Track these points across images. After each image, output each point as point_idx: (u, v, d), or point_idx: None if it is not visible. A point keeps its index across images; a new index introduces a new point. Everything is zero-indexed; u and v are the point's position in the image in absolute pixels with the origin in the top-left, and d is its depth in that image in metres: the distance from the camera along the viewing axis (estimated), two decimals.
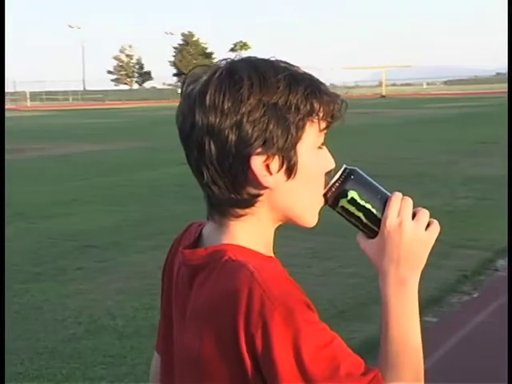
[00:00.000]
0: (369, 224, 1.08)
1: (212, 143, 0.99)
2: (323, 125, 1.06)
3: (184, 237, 1.17)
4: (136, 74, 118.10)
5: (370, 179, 1.09)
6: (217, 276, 1.01)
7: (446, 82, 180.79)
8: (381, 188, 1.09)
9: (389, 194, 1.09)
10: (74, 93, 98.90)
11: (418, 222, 1.07)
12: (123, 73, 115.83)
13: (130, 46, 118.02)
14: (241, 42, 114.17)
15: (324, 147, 1.10)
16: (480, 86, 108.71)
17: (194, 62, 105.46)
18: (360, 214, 1.07)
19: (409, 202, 1.07)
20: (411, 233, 1.06)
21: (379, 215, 1.06)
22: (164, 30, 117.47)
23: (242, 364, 0.96)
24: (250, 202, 1.04)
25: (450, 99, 56.89)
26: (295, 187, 1.04)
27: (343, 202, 1.07)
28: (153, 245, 6.98)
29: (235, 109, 0.98)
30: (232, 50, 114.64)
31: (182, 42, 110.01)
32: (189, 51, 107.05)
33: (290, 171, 1.03)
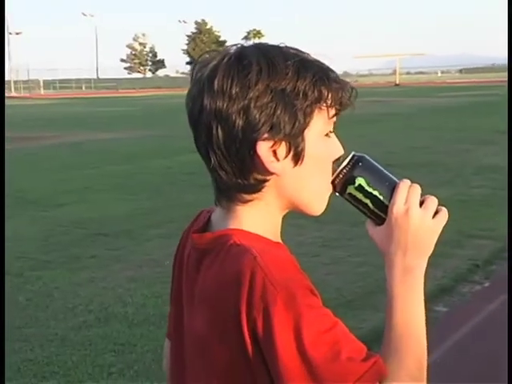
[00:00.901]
0: (376, 211, 1.07)
1: (219, 128, 1.00)
2: (332, 112, 1.05)
3: (195, 223, 1.18)
4: (149, 63, 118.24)
5: (378, 166, 1.09)
6: (222, 260, 1.02)
7: (460, 71, 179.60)
8: (389, 175, 1.09)
9: (397, 180, 1.08)
10: (87, 81, 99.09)
11: (426, 209, 1.06)
12: (136, 61, 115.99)
13: (144, 35, 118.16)
14: (254, 30, 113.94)
15: (333, 134, 1.09)
16: (495, 75, 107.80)
17: (208, 50, 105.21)
18: (368, 201, 1.07)
19: (417, 188, 1.07)
20: (418, 220, 1.05)
21: (386, 202, 1.06)
22: (177, 18, 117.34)
23: (243, 347, 0.97)
24: (257, 187, 1.04)
25: (465, 88, 56.45)
26: (302, 174, 1.04)
27: (351, 189, 1.07)
28: (164, 233, 6.99)
29: (243, 94, 0.99)
30: (245, 38, 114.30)
31: (195, 31, 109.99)
32: (202, 39, 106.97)
33: (298, 158, 1.03)
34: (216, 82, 1.00)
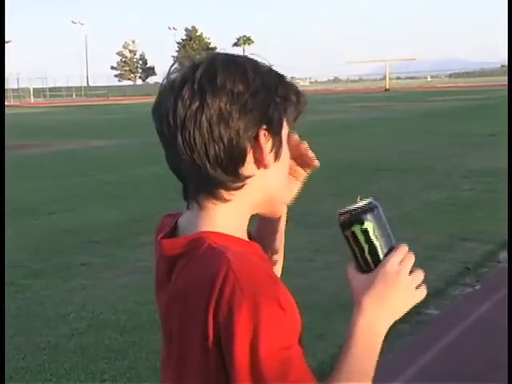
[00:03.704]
0: (368, 259, 1.10)
1: (222, 123, 1.04)
2: (292, 117, 1.13)
3: (161, 230, 1.19)
4: (139, 70, 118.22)
5: (386, 221, 1.12)
6: (196, 262, 1.05)
7: (450, 75, 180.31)
8: (391, 234, 1.12)
9: (395, 242, 1.11)
10: (78, 89, 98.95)
11: (413, 278, 1.09)
12: (127, 68, 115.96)
13: (133, 42, 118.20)
14: (244, 36, 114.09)
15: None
16: (485, 79, 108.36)
17: (198, 56, 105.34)
18: (366, 247, 1.09)
19: (412, 257, 1.10)
20: (405, 285, 1.08)
21: (381, 256, 1.09)
22: (167, 25, 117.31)
23: (209, 347, 0.99)
24: (241, 183, 1.08)
25: (455, 92, 56.70)
26: (278, 169, 1.11)
27: (356, 228, 1.09)
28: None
29: (244, 91, 1.05)
30: (235, 44, 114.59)
31: (185, 37, 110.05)
32: (192, 46, 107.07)
33: (278, 153, 1.10)
34: (218, 81, 1.04)
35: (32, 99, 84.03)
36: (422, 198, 9.26)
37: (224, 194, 1.08)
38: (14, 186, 11.45)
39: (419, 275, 1.10)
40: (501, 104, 28.50)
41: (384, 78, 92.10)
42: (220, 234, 1.07)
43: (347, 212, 1.09)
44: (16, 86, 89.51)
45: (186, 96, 1.04)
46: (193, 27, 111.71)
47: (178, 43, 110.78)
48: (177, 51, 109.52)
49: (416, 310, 4.88)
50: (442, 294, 5.30)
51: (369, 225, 1.09)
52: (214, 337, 0.99)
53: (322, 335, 4.32)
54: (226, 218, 1.09)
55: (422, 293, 1.11)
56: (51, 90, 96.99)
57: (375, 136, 18.95)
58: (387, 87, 76.60)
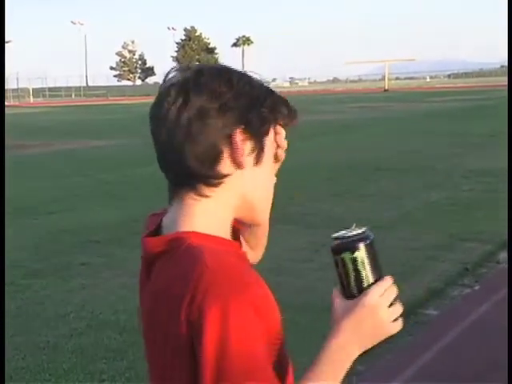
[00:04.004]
0: (353, 286, 1.12)
1: (201, 119, 1.08)
2: (279, 132, 1.16)
3: (146, 229, 1.22)
4: (139, 70, 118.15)
5: (377, 252, 1.13)
6: (175, 262, 1.07)
7: (449, 76, 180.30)
8: (380, 265, 1.14)
9: (382, 273, 1.13)
10: (77, 89, 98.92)
11: (391, 312, 1.12)
12: (126, 69, 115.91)
13: (133, 42, 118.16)
14: (243, 36, 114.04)
15: (277, 163, 1.21)
16: (484, 79, 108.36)
17: (197, 57, 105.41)
18: (352, 274, 1.12)
19: (395, 290, 1.13)
20: (380, 318, 1.11)
21: (365, 285, 1.11)
22: (166, 25, 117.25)
23: (181, 347, 1.02)
24: (219, 179, 1.11)
25: (454, 92, 56.72)
26: (258, 174, 1.14)
27: (346, 255, 1.12)
28: None
29: (226, 92, 1.09)
30: (235, 44, 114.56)
31: (184, 38, 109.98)
32: (191, 46, 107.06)
33: (259, 157, 1.13)
34: (202, 81, 1.10)
35: (31, 99, 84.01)
36: (422, 197, 9.26)
37: (203, 189, 1.11)
38: (14, 185, 11.44)
39: (397, 309, 1.12)
40: (500, 104, 28.53)
41: (383, 79, 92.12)
42: (199, 234, 1.10)
43: (340, 238, 1.12)
44: (15, 86, 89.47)
45: (173, 96, 1.10)
46: (192, 27, 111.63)
47: (177, 43, 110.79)
48: (176, 51, 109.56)
49: (415, 311, 4.89)
50: (442, 295, 5.31)
51: (359, 254, 1.11)
52: (188, 337, 1.00)
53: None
54: (206, 215, 1.12)
55: (398, 326, 1.13)
56: (51, 89, 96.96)
57: (375, 136, 18.95)
58: (386, 88, 76.61)
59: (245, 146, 1.11)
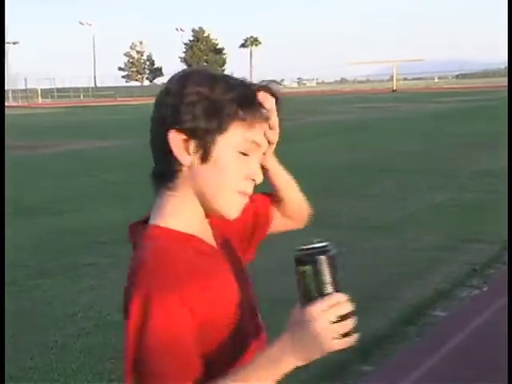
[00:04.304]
0: (304, 298, 1.13)
1: (156, 114, 1.23)
2: (249, 134, 1.21)
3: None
4: (147, 71, 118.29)
5: (334, 267, 1.13)
6: (134, 255, 1.21)
7: (457, 76, 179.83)
8: (335, 281, 1.13)
9: (334, 290, 1.12)
10: (85, 89, 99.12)
11: (333, 328, 1.09)
12: (134, 69, 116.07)
13: (141, 43, 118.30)
14: (251, 37, 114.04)
15: (255, 157, 1.24)
16: (492, 80, 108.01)
17: (205, 57, 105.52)
18: (305, 285, 1.13)
19: (341, 309, 1.10)
20: (317, 331, 1.09)
21: (314, 298, 1.11)
22: (174, 26, 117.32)
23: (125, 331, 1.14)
24: (172, 174, 1.21)
25: (462, 93, 56.54)
26: (205, 172, 1.21)
27: (302, 267, 1.13)
28: None
29: (178, 91, 1.19)
30: (243, 45, 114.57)
31: (192, 38, 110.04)
32: (199, 47, 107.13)
33: (205, 157, 1.19)
34: (169, 81, 1.24)
35: (40, 100, 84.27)
36: (427, 198, 9.25)
37: (167, 183, 1.22)
38: (22, 185, 11.50)
39: (343, 327, 1.10)
40: (505, 105, 28.39)
41: (391, 79, 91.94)
42: (160, 228, 1.21)
43: (302, 250, 1.13)
44: (24, 87, 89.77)
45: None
46: (200, 28, 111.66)
47: (185, 44, 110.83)
48: (184, 52, 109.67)
49: (423, 312, 4.88)
50: (449, 296, 5.29)
51: (308, 268, 1.12)
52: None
53: None
54: (174, 207, 1.22)
55: (341, 344, 1.10)
56: (59, 90, 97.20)
57: (381, 137, 18.92)
58: (394, 88, 76.46)
59: (186, 144, 1.19)
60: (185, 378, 1.11)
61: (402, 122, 24.99)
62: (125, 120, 32.80)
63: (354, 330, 1.11)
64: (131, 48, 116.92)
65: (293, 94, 75.79)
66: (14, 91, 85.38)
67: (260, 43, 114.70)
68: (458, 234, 7.10)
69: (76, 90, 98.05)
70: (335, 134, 20.57)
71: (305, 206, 1.57)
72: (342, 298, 1.11)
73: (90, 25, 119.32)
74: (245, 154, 1.22)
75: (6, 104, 63.46)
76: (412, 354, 4.24)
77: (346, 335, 1.10)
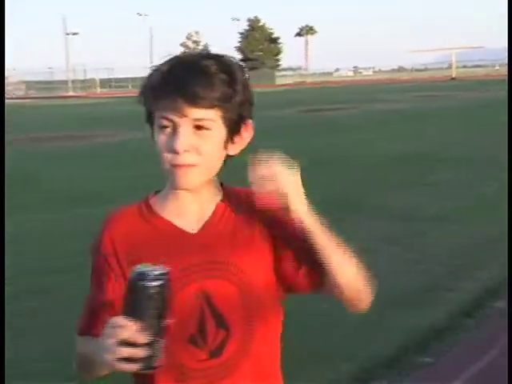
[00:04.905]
0: (124, 307, 1.17)
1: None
2: (158, 114, 1.44)
3: None
4: None
5: (157, 294, 1.13)
6: None
7: None
8: (149, 308, 1.14)
9: (142, 315, 1.13)
10: (143, 80, 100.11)
11: (116, 350, 1.14)
12: None
13: (197, 33, 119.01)
14: (307, 26, 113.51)
15: (169, 131, 1.40)
16: None
17: (260, 47, 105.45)
18: (127, 298, 1.17)
19: (125, 333, 1.14)
20: (100, 348, 1.21)
21: (126, 313, 1.15)
22: (230, 16, 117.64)
23: None
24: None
25: None
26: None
27: (138, 282, 1.14)
28: None
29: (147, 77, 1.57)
30: (298, 34, 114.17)
31: (247, 28, 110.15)
32: (255, 36, 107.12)
33: (152, 136, 1.47)
34: None
35: (98, 90, 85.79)
36: (480, 188, 9.05)
37: None
38: (80, 176, 11.73)
39: (125, 352, 1.12)
40: None
41: (449, 67, 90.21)
42: (139, 203, 1.65)
43: (137, 269, 1.16)
44: (83, 77, 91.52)
45: None
46: (255, 17, 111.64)
47: (240, 34, 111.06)
48: (239, 42, 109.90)
49: (483, 304, 4.78)
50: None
51: (132, 289, 1.15)
52: None
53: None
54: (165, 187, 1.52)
55: (121, 366, 1.13)
56: (117, 80, 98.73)
57: (438, 125, 18.59)
58: (453, 76, 75.00)
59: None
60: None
61: (461, 110, 24.50)
62: None
63: (144, 360, 1.12)
64: (187, 38, 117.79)
65: (347, 83, 75.11)
66: (73, 81, 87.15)
67: (316, 32, 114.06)
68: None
69: (134, 80, 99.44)
70: (391, 123, 20.29)
71: (364, 294, 1.45)
72: (128, 324, 1.12)
73: (147, 15, 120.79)
74: (162, 127, 1.41)
75: (66, 94, 64.78)
76: (472, 346, 4.15)
77: (130, 360, 1.12)
